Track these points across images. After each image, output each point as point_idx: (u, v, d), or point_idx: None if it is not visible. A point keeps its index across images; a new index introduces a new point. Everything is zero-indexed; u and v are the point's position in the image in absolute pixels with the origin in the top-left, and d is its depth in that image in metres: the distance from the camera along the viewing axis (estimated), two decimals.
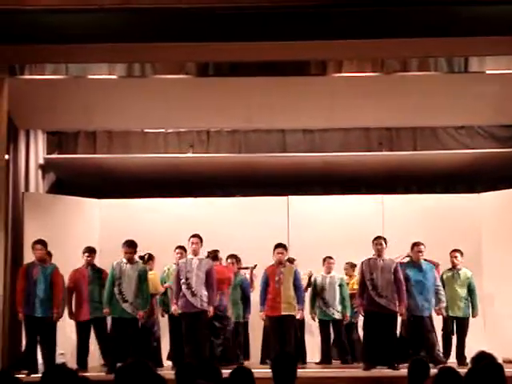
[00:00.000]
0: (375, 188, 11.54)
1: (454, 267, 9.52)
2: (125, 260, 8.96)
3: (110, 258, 9.29)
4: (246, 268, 10.07)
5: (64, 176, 11.57)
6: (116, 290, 8.86)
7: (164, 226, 10.78)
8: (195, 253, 8.97)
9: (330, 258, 10.04)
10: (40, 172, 11.14)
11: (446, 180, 11.60)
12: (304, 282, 9.77)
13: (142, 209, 11.11)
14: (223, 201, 11.29)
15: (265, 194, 11.28)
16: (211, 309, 8.84)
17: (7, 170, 9.61)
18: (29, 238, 9.73)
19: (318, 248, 10.34)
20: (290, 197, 11.19)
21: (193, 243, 8.98)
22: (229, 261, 9.91)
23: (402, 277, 8.92)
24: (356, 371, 8.71)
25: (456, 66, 10.05)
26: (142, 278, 8.96)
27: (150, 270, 9.52)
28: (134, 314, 8.83)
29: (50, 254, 9.26)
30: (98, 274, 9.52)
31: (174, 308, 8.99)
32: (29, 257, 9.34)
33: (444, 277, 9.47)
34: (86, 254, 9.58)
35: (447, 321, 9.46)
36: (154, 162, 11.11)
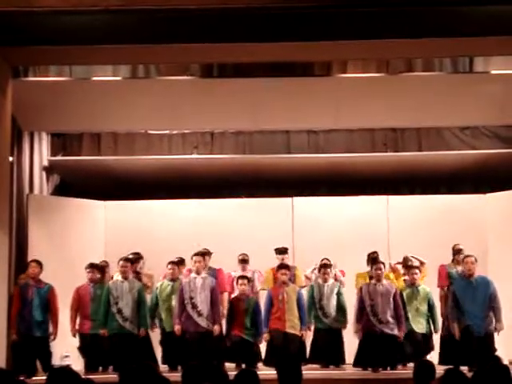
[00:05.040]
0: (380, 189, 11.52)
1: (413, 284, 9.33)
2: (120, 278, 8.95)
3: (115, 260, 9.29)
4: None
5: (68, 178, 11.56)
6: (114, 309, 8.83)
7: (169, 228, 10.78)
8: (198, 271, 8.86)
9: (326, 266, 9.54)
10: (44, 174, 11.13)
11: (451, 181, 11.56)
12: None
13: (147, 210, 11.11)
14: (228, 202, 11.26)
15: (269, 195, 11.27)
16: (217, 327, 8.73)
17: (11, 172, 9.59)
18: (33, 240, 9.73)
19: (323, 249, 10.29)
20: (294, 198, 11.17)
21: (196, 262, 8.86)
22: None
23: (400, 302, 8.95)
24: (362, 373, 8.67)
25: (461, 67, 10.07)
26: (141, 295, 8.94)
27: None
28: (134, 332, 8.79)
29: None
30: (99, 290, 9.18)
31: (176, 328, 8.72)
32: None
33: (404, 294, 9.23)
34: (88, 270, 9.33)
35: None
36: (158, 164, 11.09)
